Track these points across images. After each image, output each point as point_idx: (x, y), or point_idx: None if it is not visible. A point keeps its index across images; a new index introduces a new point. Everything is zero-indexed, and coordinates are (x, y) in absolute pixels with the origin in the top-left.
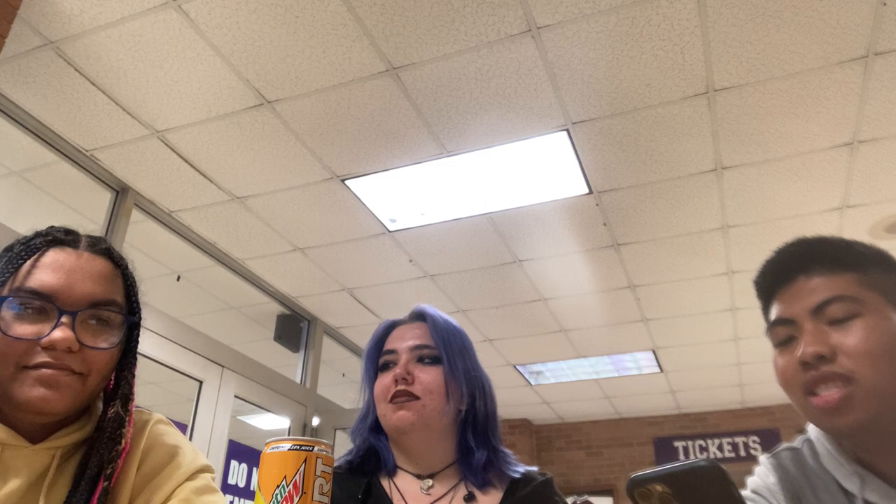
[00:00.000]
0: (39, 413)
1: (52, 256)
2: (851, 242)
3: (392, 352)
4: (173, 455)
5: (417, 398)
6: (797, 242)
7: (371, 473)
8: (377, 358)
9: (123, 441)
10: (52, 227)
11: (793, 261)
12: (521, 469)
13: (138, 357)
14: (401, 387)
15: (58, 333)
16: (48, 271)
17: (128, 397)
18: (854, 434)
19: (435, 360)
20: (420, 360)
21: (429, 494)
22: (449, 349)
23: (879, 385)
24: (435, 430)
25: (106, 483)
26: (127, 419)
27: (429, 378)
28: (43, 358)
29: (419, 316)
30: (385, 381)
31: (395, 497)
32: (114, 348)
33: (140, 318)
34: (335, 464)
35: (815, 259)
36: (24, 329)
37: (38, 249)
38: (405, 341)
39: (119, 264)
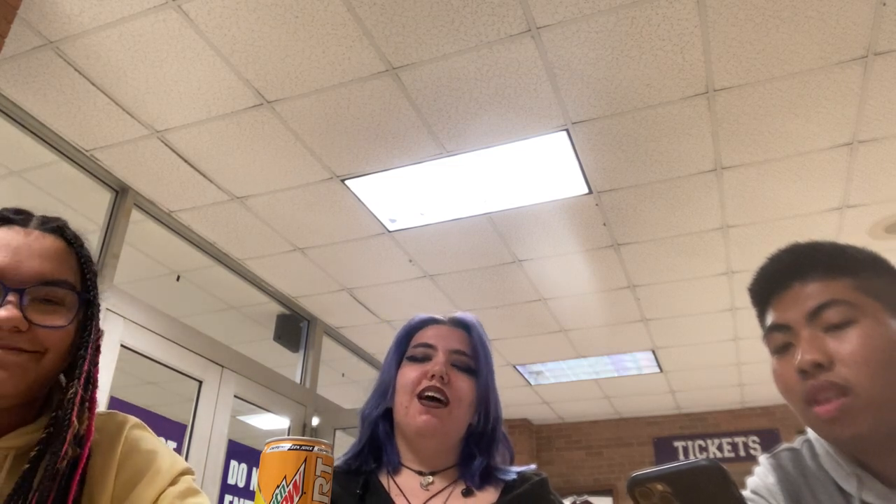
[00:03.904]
0: None
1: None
2: (845, 247)
3: (430, 346)
4: (152, 461)
5: (446, 404)
6: (791, 249)
7: (371, 472)
8: (406, 345)
9: (86, 424)
10: (4, 208)
11: (787, 267)
12: (515, 470)
13: (100, 340)
14: (436, 383)
15: (3, 312)
16: None
17: (88, 378)
18: (855, 443)
19: (469, 371)
20: (456, 365)
21: (427, 490)
22: (485, 365)
23: (877, 394)
24: (452, 438)
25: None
26: (88, 405)
27: (464, 386)
28: None
29: (462, 324)
30: (414, 372)
31: (394, 492)
32: (69, 326)
33: (95, 297)
34: (334, 463)
35: (810, 265)
36: None
37: None
38: (447, 342)
39: (73, 243)
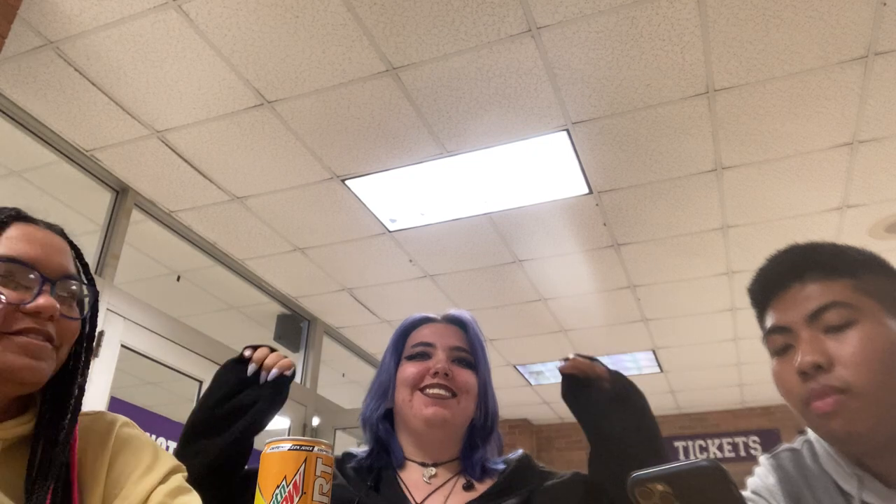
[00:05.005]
0: (21, 383)
1: (22, 229)
2: (844, 248)
3: (429, 345)
4: (141, 458)
5: (454, 396)
6: (790, 249)
7: (382, 467)
8: (403, 345)
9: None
10: (10, 207)
11: (786, 268)
12: (501, 459)
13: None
14: (439, 380)
15: (43, 300)
16: (23, 242)
17: (88, 369)
18: (851, 440)
19: (469, 366)
20: (456, 361)
21: (430, 483)
22: (483, 360)
23: (876, 394)
24: (458, 430)
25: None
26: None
27: (468, 379)
28: (26, 324)
29: (458, 321)
30: (415, 368)
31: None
32: (80, 320)
33: (97, 297)
34: (350, 464)
35: (809, 266)
36: (7, 294)
37: (3, 224)
38: (446, 339)
39: (72, 246)
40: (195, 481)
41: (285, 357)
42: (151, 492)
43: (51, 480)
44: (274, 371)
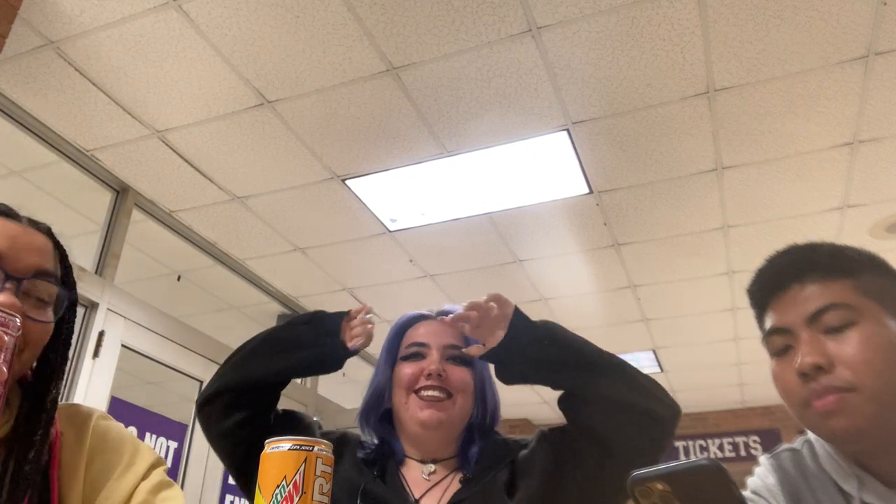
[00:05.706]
0: None
1: None
2: (843, 248)
3: (423, 344)
4: (122, 454)
5: (450, 396)
6: (789, 250)
7: (387, 459)
8: (398, 346)
9: (54, 429)
10: None
11: (786, 269)
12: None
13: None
14: (433, 382)
15: (3, 297)
16: None
17: (62, 380)
18: (850, 438)
19: (465, 363)
20: (451, 359)
21: (428, 480)
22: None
23: (878, 393)
24: (455, 429)
25: (45, 469)
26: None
27: (463, 376)
28: None
29: None
30: (410, 369)
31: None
32: (52, 323)
33: (76, 301)
34: (359, 453)
35: (808, 267)
36: None
37: None
38: (440, 338)
39: (58, 246)
40: (238, 386)
41: (366, 339)
42: (134, 489)
43: (25, 483)
44: (358, 329)
